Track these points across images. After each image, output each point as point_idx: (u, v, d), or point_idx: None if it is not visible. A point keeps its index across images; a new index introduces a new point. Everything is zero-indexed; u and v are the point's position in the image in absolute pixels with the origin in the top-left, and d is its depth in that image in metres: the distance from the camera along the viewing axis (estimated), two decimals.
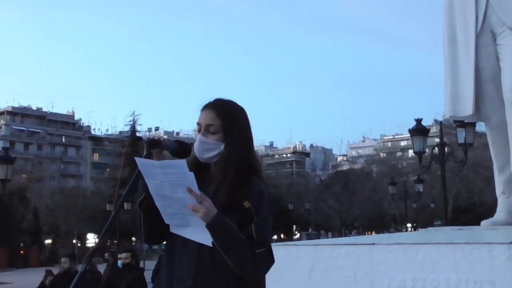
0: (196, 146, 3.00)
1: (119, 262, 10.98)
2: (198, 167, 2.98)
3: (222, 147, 2.97)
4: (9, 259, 55.09)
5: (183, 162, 2.71)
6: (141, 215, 2.95)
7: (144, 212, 2.94)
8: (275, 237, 63.22)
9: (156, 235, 3.04)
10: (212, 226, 2.74)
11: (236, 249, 2.78)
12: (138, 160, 2.76)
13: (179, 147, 2.97)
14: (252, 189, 2.92)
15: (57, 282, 11.25)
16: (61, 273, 11.35)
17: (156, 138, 2.99)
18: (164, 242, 3.10)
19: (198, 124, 3.03)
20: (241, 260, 2.80)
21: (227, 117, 3.00)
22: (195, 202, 2.72)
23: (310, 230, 63.22)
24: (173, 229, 2.92)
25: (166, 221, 2.88)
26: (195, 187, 2.72)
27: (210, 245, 2.78)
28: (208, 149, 2.98)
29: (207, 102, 3.07)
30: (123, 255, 10.85)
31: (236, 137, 2.99)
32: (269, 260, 2.89)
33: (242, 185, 2.91)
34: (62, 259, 11.41)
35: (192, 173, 2.70)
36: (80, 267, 2.82)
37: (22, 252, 61.05)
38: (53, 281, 11.65)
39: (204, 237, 2.79)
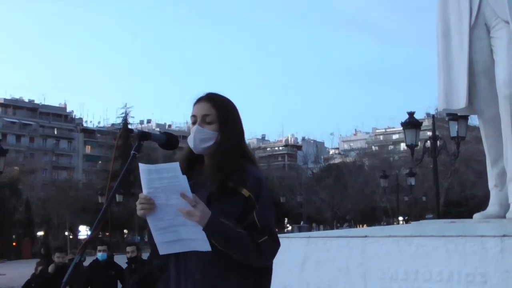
0: (191, 137, 3.04)
1: (100, 255, 10.79)
2: (193, 161, 3.06)
3: (218, 136, 3.02)
4: (1, 250, 55.00)
5: (176, 166, 2.76)
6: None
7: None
8: None
9: None
10: (209, 229, 2.78)
11: (237, 245, 2.83)
12: (142, 166, 2.78)
13: (166, 139, 3.04)
14: (249, 177, 2.97)
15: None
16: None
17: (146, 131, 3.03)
18: None
19: (193, 116, 3.08)
20: (244, 253, 2.85)
21: (222, 108, 3.07)
22: (189, 207, 2.76)
23: (302, 223, 63.17)
24: (163, 251, 2.91)
25: (157, 239, 2.89)
26: (188, 191, 2.76)
27: (209, 249, 2.80)
28: (204, 139, 3.02)
29: (200, 95, 3.13)
30: (129, 248, 10.67)
31: (230, 128, 3.06)
32: (274, 246, 2.95)
33: (237, 172, 2.95)
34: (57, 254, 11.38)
35: (184, 176, 2.75)
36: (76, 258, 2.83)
37: (14, 244, 61.01)
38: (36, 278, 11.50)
39: (201, 245, 2.80)
